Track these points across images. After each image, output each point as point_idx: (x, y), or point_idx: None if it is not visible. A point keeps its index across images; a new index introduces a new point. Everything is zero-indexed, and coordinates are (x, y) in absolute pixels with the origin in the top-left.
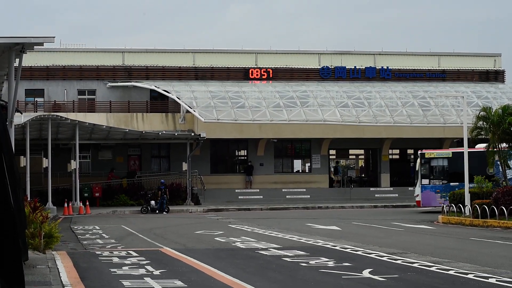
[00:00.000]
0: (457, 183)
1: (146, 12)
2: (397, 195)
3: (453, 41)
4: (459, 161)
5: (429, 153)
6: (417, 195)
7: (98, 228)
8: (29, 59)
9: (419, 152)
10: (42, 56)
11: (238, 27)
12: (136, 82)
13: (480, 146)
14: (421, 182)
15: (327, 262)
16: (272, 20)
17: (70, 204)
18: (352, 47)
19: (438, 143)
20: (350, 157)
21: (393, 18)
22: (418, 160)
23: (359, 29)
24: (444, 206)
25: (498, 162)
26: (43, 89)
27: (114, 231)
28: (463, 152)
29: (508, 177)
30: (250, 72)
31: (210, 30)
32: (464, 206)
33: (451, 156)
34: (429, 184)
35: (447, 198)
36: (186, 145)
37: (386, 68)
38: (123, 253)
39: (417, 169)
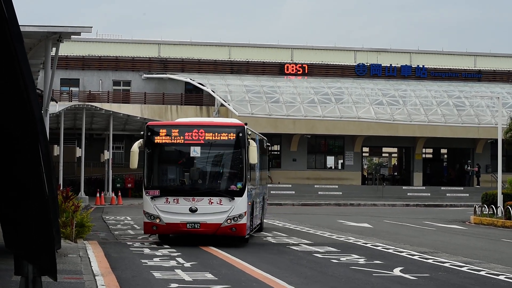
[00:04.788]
0: None
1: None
2: (429, 194)
3: (489, 42)
4: None
5: None
6: None
7: (129, 219)
8: (65, 49)
9: None
10: (78, 46)
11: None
12: (171, 74)
13: None
14: None
15: (358, 259)
16: (308, 17)
17: (102, 194)
18: (388, 45)
19: (472, 143)
20: (383, 155)
21: (430, 18)
22: None
23: (396, 27)
24: (476, 207)
25: None
26: (78, 79)
27: None
28: None
29: None
30: (285, 67)
31: (246, 25)
32: (496, 207)
33: None
34: None
35: None
36: None
37: (421, 67)
38: (154, 245)
39: None
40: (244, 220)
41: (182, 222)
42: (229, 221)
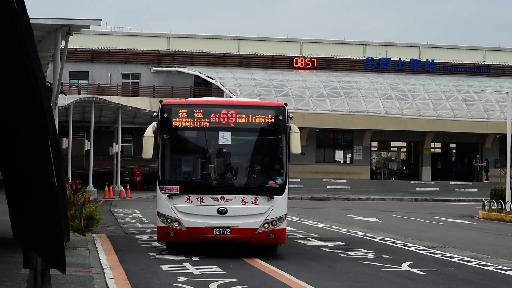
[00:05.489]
0: None
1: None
2: (438, 189)
3: (498, 36)
4: None
5: None
6: None
7: (138, 212)
8: (74, 42)
9: None
10: (87, 38)
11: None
12: (180, 67)
13: None
14: None
15: (366, 254)
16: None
17: (111, 187)
18: (397, 39)
19: (480, 138)
20: (392, 149)
21: (440, 13)
22: None
23: (405, 21)
24: (485, 202)
25: None
26: (88, 72)
27: (154, 216)
28: None
29: None
30: (294, 61)
31: (255, 18)
32: (505, 202)
33: None
34: None
35: None
36: None
37: (431, 61)
38: None
39: None
40: (284, 225)
41: (208, 226)
42: (266, 225)
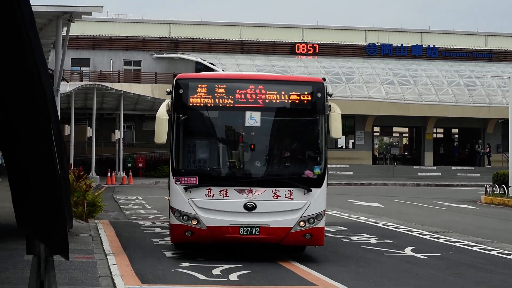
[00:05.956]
0: None
1: None
2: (440, 174)
3: (500, 22)
4: None
5: None
6: None
7: (140, 198)
8: (76, 29)
9: None
10: (88, 25)
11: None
12: (182, 54)
13: None
14: None
15: (369, 239)
16: None
17: (113, 174)
18: (399, 25)
19: (482, 123)
20: (394, 134)
21: None
22: None
23: (407, 7)
24: (487, 187)
25: None
26: (89, 59)
27: (157, 202)
28: None
29: None
30: (296, 47)
31: (256, 4)
32: (507, 187)
33: None
34: None
35: None
36: None
37: (432, 46)
38: (166, 224)
39: None
40: (323, 223)
41: (233, 225)
42: (302, 223)
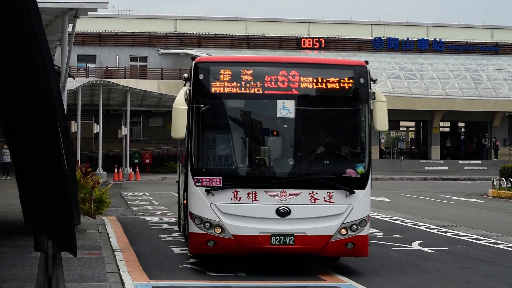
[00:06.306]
0: None
1: None
2: (447, 168)
3: (507, 15)
4: None
5: None
6: None
7: (148, 194)
8: (82, 25)
9: None
10: (94, 22)
11: None
12: (188, 49)
13: None
14: None
15: (376, 233)
16: None
17: (120, 170)
18: (405, 19)
19: (489, 116)
20: (401, 129)
21: None
22: None
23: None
24: (494, 181)
25: None
26: (95, 55)
27: (164, 198)
28: None
29: None
30: (302, 41)
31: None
32: None
33: None
34: None
35: None
36: None
37: (438, 40)
38: (173, 220)
39: None
40: (366, 230)
41: (263, 233)
42: (343, 231)
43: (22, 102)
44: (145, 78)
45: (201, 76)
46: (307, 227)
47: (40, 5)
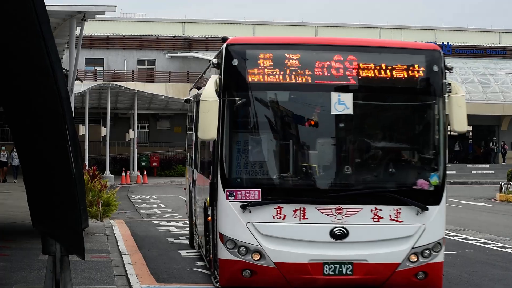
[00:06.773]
0: None
1: None
2: (455, 171)
3: None
4: None
5: None
6: None
7: (155, 197)
8: (89, 28)
9: None
10: (102, 25)
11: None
12: (196, 53)
13: None
14: None
15: None
16: None
17: (128, 173)
18: (412, 22)
19: (497, 120)
20: None
21: None
22: None
23: (420, 4)
24: (502, 184)
25: None
26: (103, 58)
27: (172, 201)
28: None
29: None
30: None
31: (270, 3)
32: None
33: None
34: None
35: None
36: None
37: (446, 44)
38: (181, 223)
39: None
40: (441, 256)
41: (314, 261)
42: (413, 258)
43: (30, 105)
44: (153, 81)
45: (234, 62)
46: (369, 253)
47: (48, 8)
